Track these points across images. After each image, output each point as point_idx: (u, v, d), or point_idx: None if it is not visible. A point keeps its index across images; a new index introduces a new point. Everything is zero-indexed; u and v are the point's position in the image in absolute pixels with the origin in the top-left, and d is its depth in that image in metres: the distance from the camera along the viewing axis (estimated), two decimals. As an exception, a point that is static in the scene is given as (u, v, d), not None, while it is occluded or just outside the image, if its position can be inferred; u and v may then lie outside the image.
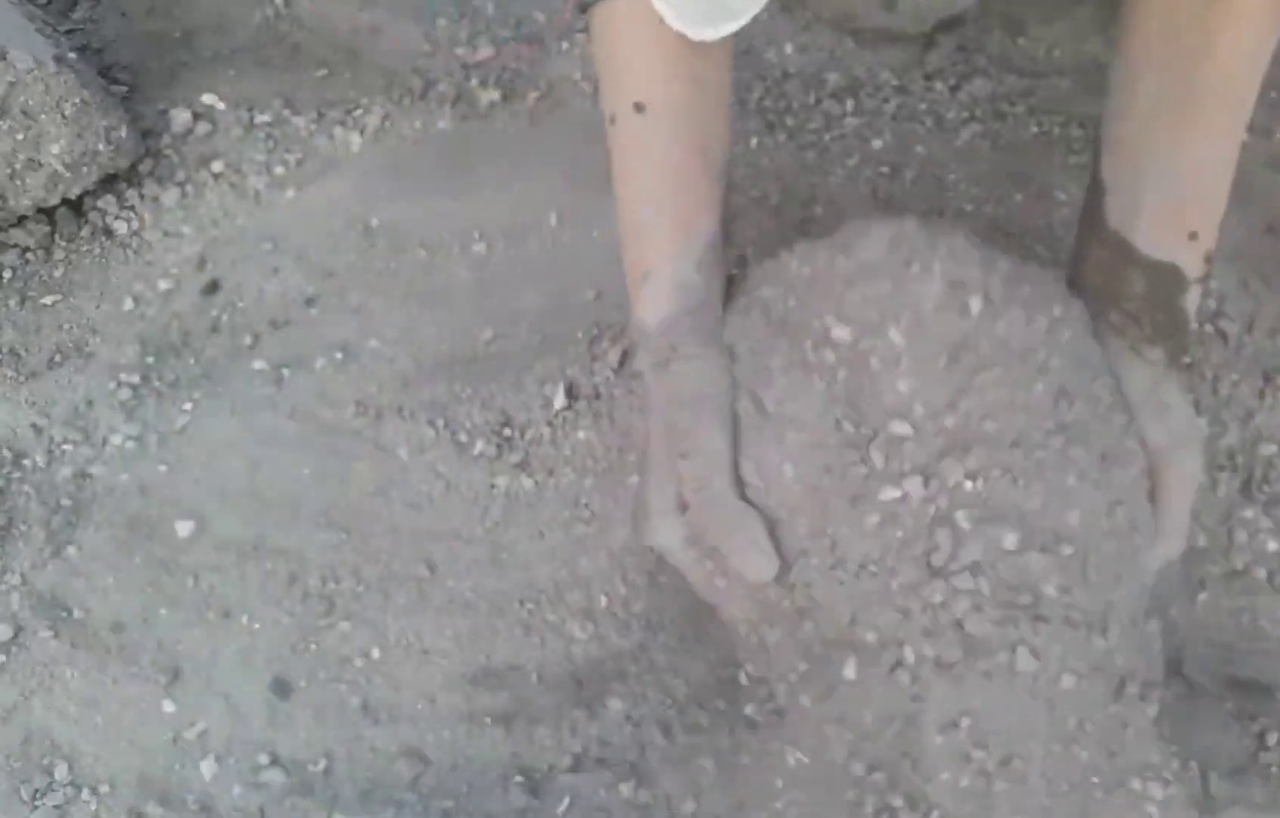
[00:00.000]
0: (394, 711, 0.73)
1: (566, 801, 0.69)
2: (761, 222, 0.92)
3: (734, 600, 0.68)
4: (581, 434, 0.83)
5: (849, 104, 1.01)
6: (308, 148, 0.97)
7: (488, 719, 0.73)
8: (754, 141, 0.98)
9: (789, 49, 1.06)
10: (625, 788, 0.68)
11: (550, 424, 0.83)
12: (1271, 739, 0.69)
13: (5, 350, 0.87)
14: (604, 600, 0.76)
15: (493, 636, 0.76)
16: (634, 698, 0.72)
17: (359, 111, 0.99)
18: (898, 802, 0.61)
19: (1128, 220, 0.70)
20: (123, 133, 0.91)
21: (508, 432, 0.84)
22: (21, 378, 0.85)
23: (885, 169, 0.96)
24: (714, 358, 0.69)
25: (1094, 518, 0.63)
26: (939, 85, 1.01)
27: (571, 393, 0.84)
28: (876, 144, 0.98)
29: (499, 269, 0.91)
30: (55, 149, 0.87)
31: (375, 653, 0.75)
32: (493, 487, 0.81)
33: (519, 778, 0.70)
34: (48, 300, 0.89)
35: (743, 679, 0.68)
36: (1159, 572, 0.67)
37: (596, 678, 0.73)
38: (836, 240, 0.69)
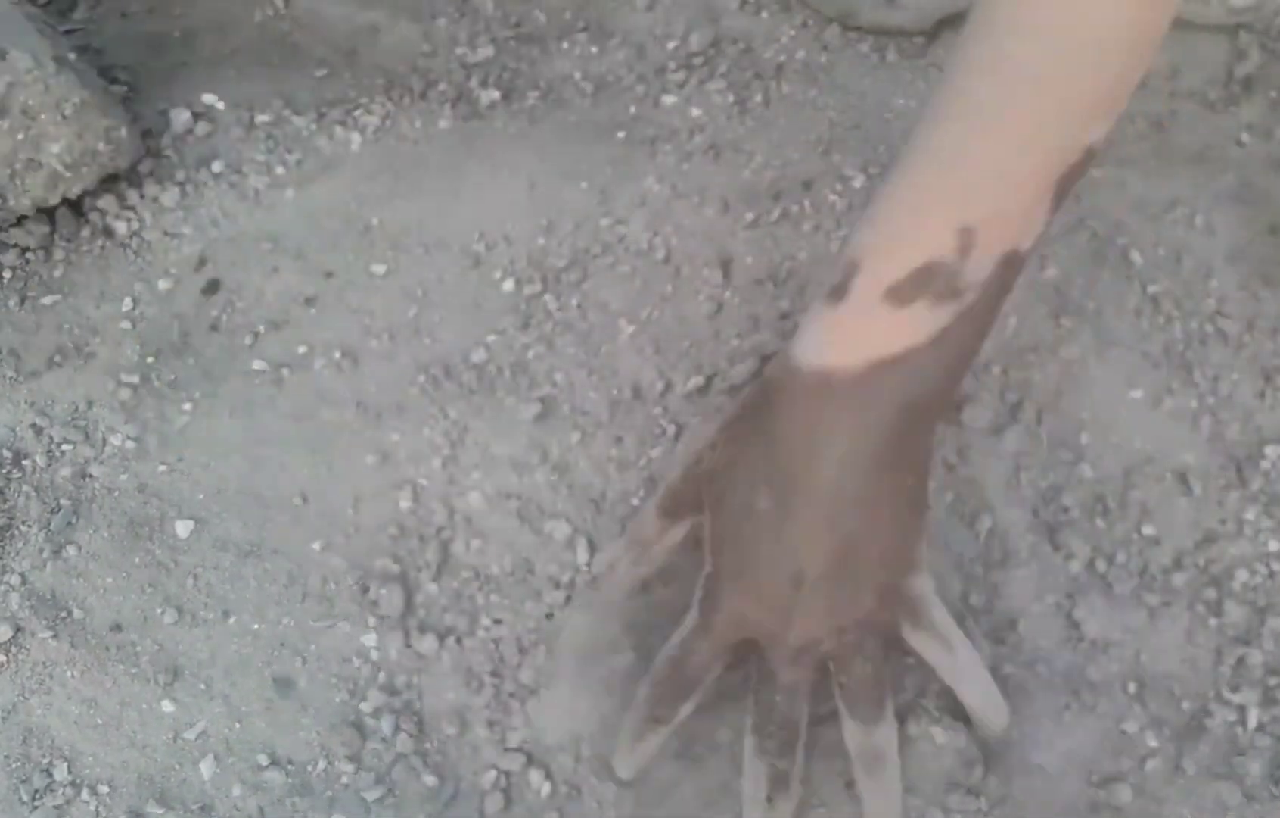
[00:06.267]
0: (394, 712, 0.73)
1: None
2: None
3: None
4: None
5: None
6: (308, 148, 0.97)
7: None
8: (754, 144, 0.98)
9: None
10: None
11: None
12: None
13: (5, 350, 0.86)
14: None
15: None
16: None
17: (359, 111, 0.99)
18: None
19: None
20: (123, 133, 0.91)
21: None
22: (21, 378, 0.85)
23: (883, 148, 0.95)
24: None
25: None
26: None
27: (571, 393, 0.85)
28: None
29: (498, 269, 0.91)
30: (55, 149, 0.87)
31: (375, 655, 0.75)
32: (492, 487, 0.81)
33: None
34: (47, 300, 0.89)
35: None
36: None
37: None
38: None
